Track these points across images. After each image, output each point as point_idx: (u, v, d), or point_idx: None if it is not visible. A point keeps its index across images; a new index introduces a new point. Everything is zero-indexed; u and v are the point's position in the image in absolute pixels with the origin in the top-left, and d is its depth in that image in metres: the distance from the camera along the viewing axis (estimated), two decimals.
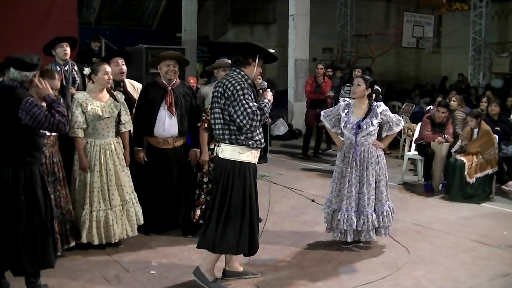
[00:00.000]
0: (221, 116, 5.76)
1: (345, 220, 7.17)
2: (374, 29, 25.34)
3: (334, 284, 6.20)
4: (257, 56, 5.90)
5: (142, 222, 7.24)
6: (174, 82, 7.50)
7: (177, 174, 7.56)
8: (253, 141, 5.77)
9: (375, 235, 7.25)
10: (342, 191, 7.26)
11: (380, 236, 7.33)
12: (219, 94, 5.75)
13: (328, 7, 24.22)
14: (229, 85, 5.67)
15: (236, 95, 5.61)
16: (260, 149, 5.94)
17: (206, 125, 7.28)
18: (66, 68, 7.85)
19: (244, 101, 5.58)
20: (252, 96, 5.70)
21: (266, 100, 5.81)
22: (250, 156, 5.82)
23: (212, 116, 5.88)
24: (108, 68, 6.95)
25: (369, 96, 7.36)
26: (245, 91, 5.62)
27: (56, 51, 7.91)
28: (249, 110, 5.55)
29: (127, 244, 7.20)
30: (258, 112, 5.60)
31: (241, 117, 5.57)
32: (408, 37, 25.39)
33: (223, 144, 5.83)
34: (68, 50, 7.89)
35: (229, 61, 7.95)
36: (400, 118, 7.39)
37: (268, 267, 6.59)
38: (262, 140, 5.87)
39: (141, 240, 7.40)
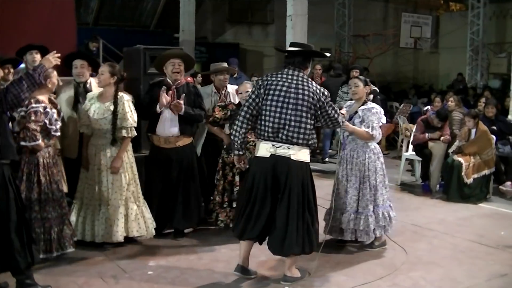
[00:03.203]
0: (303, 119, 5.92)
1: (330, 217, 7.19)
2: (372, 30, 25.33)
3: (332, 284, 6.21)
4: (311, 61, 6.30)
5: (152, 226, 7.26)
6: (179, 81, 7.51)
7: (177, 175, 7.53)
8: (315, 143, 6.14)
9: (367, 235, 7.23)
10: (334, 187, 7.32)
11: (370, 236, 7.29)
12: (310, 99, 5.92)
13: (326, 7, 24.21)
14: (318, 90, 5.99)
15: (327, 100, 6.03)
16: None
17: (211, 119, 7.65)
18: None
19: (332, 106, 6.12)
20: None
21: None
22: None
23: (279, 116, 5.93)
24: (99, 69, 7.05)
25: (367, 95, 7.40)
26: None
27: (26, 58, 7.99)
28: (336, 115, 6.14)
29: (125, 245, 7.18)
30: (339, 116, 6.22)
31: (329, 122, 6.16)
32: (406, 38, 25.41)
33: (295, 146, 5.93)
34: (38, 57, 7.85)
35: (226, 65, 8.03)
36: (377, 129, 7.15)
37: (264, 267, 6.58)
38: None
39: (139, 240, 7.39)
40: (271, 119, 5.92)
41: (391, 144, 16.11)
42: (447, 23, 27.80)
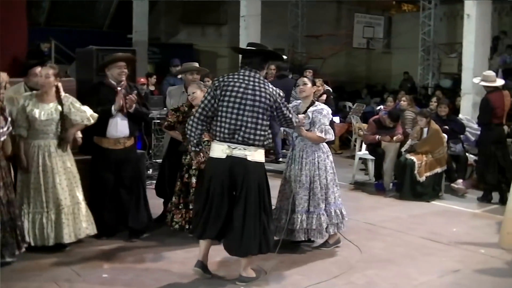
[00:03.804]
0: (259, 121, 5.93)
1: (275, 217, 7.22)
2: (325, 30, 25.43)
3: (287, 284, 6.23)
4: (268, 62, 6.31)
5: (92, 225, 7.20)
6: (122, 83, 7.48)
7: (128, 175, 7.54)
8: (268, 142, 6.20)
9: (320, 234, 7.26)
10: (280, 188, 7.38)
11: (323, 235, 7.31)
12: (266, 100, 5.94)
13: (279, 8, 24.22)
14: (274, 92, 6.01)
15: (282, 100, 6.07)
16: None
17: (165, 123, 7.61)
18: None
19: (287, 106, 6.21)
20: None
21: None
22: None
23: (236, 117, 5.92)
24: (44, 71, 6.88)
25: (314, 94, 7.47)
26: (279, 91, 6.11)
27: None
28: (290, 115, 6.20)
29: (78, 248, 7.12)
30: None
31: (283, 122, 6.27)
32: (358, 38, 25.56)
33: (251, 147, 5.94)
34: None
35: (197, 64, 8.03)
36: (330, 131, 7.18)
37: (221, 269, 6.57)
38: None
39: (93, 243, 7.32)
40: (228, 120, 5.91)
41: (344, 143, 16.22)
42: (399, 24, 28.06)
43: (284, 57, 6.68)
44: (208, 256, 6.24)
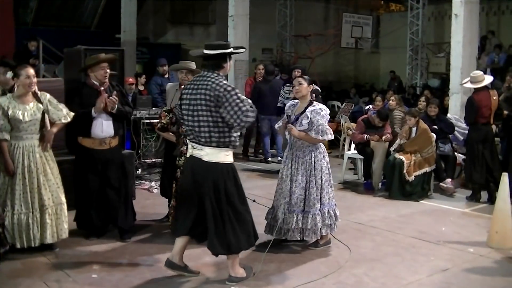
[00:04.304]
0: (209, 118, 5.87)
1: (272, 216, 7.32)
2: (314, 30, 25.47)
3: (277, 283, 6.23)
4: (228, 59, 6.14)
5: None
6: (105, 83, 7.48)
7: (115, 175, 7.54)
8: (234, 142, 6.02)
9: (314, 234, 7.27)
10: (277, 187, 7.37)
11: (317, 235, 7.31)
12: (206, 97, 5.85)
13: (267, 7, 24.25)
14: (217, 87, 5.84)
15: (228, 95, 5.80)
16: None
17: (159, 125, 7.68)
18: None
19: (238, 100, 5.80)
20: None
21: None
22: (232, 157, 6.07)
23: (192, 119, 5.96)
24: (30, 71, 6.82)
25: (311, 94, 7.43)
26: (237, 90, 5.87)
27: None
28: (243, 108, 5.79)
29: (67, 248, 7.10)
30: (250, 109, 5.84)
31: (235, 117, 5.78)
32: (347, 38, 25.63)
33: (206, 147, 5.92)
34: None
35: (193, 65, 8.01)
36: (328, 131, 7.18)
37: (209, 268, 6.57)
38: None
39: (82, 244, 7.32)
40: (187, 122, 6.05)
41: (333, 143, 16.19)
42: (387, 24, 28.15)
43: (242, 50, 6.56)
44: (196, 256, 6.25)
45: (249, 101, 5.92)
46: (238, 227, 6.03)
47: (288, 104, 7.57)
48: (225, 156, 5.99)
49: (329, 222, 7.28)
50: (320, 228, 7.21)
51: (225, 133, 5.91)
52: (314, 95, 7.60)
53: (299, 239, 7.34)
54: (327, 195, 7.27)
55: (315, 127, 7.07)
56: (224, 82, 5.92)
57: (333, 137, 7.44)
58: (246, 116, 5.80)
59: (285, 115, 7.46)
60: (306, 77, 7.46)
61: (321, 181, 7.21)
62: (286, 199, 7.21)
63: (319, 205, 7.19)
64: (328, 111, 7.34)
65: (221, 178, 5.97)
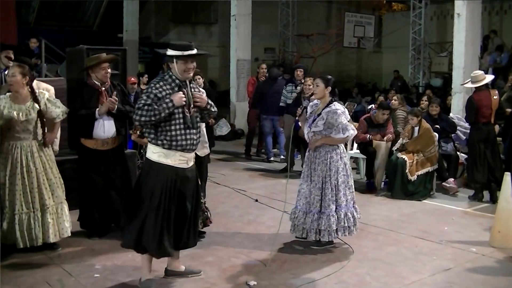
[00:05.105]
0: None
1: (294, 216, 7.34)
2: (316, 29, 25.47)
3: (279, 283, 6.21)
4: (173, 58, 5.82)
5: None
6: (106, 83, 7.49)
7: (118, 175, 7.57)
8: (166, 141, 5.74)
9: (330, 235, 7.22)
10: (299, 187, 7.41)
11: (333, 236, 7.29)
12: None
13: (270, 7, 24.27)
14: (156, 82, 5.83)
15: (145, 90, 5.83)
16: (189, 153, 5.89)
17: (138, 132, 7.31)
18: (6, 73, 7.79)
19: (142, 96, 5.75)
20: (165, 93, 5.70)
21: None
22: (162, 157, 5.78)
23: None
24: (14, 69, 6.80)
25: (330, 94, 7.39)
26: (149, 89, 5.74)
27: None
28: (138, 105, 5.65)
29: (70, 248, 7.10)
30: (138, 109, 5.63)
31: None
32: (349, 37, 25.63)
33: (149, 144, 5.91)
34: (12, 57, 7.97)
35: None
36: (349, 127, 7.20)
37: (212, 267, 6.56)
38: (183, 143, 5.78)
39: (84, 243, 7.32)
40: None
41: None
42: (390, 23, 28.16)
43: (205, 52, 6.42)
44: (199, 256, 6.23)
45: (146, 101, 5.64)
46: (148, 224, 5.87)
47: (311, 104, 7.53)
48: (153, 154, 5.83)
49: (347, 224, 7.25)
50: (336, 230, 7.20)
51: (156, 132, 5.78)
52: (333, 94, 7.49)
53: (315, 239, 7.34)
54: (344, 196, 7.24)
55: (335, 127, 7.11)
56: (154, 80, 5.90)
57: (356, 132, 7.43)
58: (135, 114, 5.67)
59: (303, 106, 7.48)
60: (324, 76, 7.44)
61: (337, 182, 7.19)
62: (308, 199, 7.24)
63: (334, 207, 7.17)
64: (346, 110, 7.36)
65: (143, 173, 5.95)
